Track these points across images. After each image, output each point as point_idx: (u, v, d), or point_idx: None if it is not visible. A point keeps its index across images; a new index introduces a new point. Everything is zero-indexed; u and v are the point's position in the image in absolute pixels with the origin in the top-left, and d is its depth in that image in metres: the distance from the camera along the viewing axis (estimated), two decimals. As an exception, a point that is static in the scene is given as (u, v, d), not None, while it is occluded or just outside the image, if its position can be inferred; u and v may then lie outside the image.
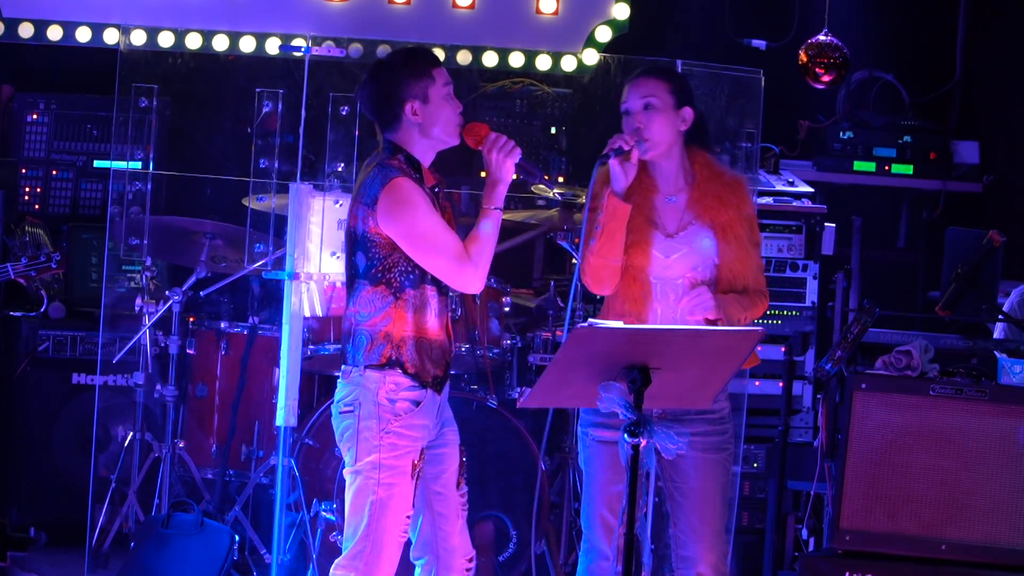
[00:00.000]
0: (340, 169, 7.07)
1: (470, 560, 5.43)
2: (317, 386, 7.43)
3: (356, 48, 7.84)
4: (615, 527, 5.33)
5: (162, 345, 7.38)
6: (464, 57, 7.96)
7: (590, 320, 4.98)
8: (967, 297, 6.76)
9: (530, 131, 8.25)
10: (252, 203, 7.31)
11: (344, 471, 5.33)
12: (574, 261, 5.52)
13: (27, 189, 8.35)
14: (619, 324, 5.00)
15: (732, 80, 7.27)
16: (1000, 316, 7.02)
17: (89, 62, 7.99)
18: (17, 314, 8.02)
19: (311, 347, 7.15)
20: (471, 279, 5.28)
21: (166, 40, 7.82)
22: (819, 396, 7.01)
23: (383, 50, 7.81)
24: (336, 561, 5.33)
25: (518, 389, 7.24)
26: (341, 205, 6.75)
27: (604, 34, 8.10)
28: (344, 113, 6.99)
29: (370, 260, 5.28)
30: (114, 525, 7.35)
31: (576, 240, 5.49)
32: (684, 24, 8.81)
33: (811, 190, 7.88)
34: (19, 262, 6.97)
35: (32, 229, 8.16)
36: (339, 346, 7.19)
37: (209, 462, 7.42)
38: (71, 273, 8.11)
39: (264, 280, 7.27)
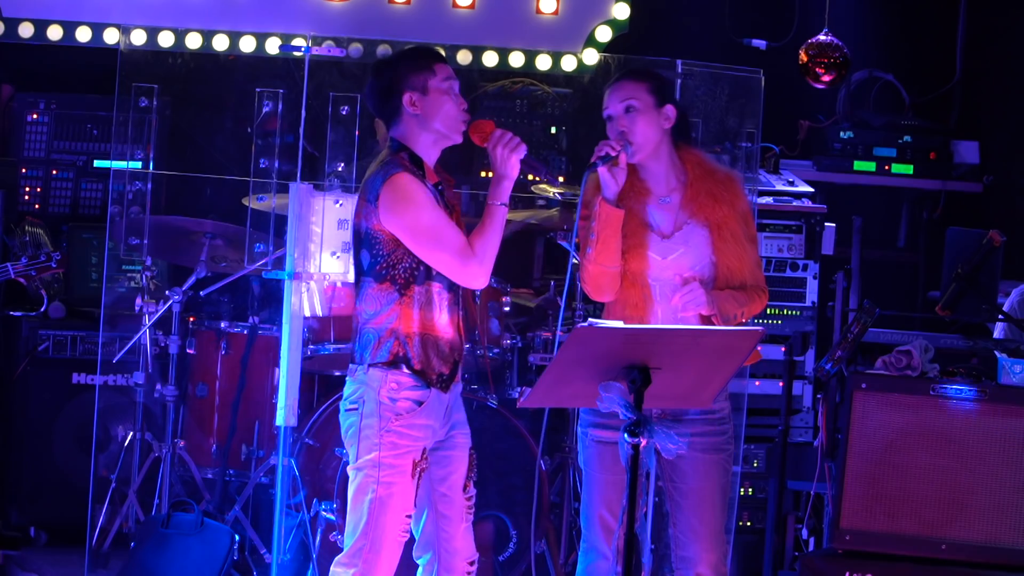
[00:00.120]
0: (340, 169, 7.07)
1: (471, 563, 5.44)
2: (317, 386, 7.43)
3: (356, 48, 7.84)
4: (615, 527, 5.33)
5: (162, 345, 7.38)
6: (464, 57, 7.96)
7: (590, 320, 4.98)
8: (967, 297, 6.76)
9: (530, 131, 8.24)
10: (252, 203, 7.31)
11: (348, 468, 5.34)
12: (575, 261, 5.52)
13: (27, 189, 8.35)
14: (619, 324, 5.00)
15: (732, 80, 7.27)
16: (1000, 316, 7.02)
17: (89, 62, 7.99)
18: (17, 314, 8.02)
19: (311, 347, 7.15)
20: (475, 274, 5.29)
21: (166, 40, 7.82)
22: (819, 396, 7.02)
23: (383, 50, 7.81)
24: (336, 558, 5.34)
25: (518, 389, 7.24)
26: (341, 205, 6.76)
27: (604, 34, 8.10)
28: (344, 113, 6.99)
29: (374, 257, 5.29)
30: (114, 525, 7.35)
31: (577, 240, 5.48)
32: (684, 24, 8.81)
33: (811, 190, 7.88)
34: (19, 262, 6.97)
35: (32, 229, 8.16)
36: (339, 346, 7.23)
37: (209, 462, 7.42)
38: (71, 273, 8.11)
39: (264, 280, 7.27)
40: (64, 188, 8.40)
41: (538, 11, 8.07)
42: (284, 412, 6.59)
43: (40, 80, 8.42)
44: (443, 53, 5.68)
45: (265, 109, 7.17)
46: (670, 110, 5.48)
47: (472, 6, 8.00)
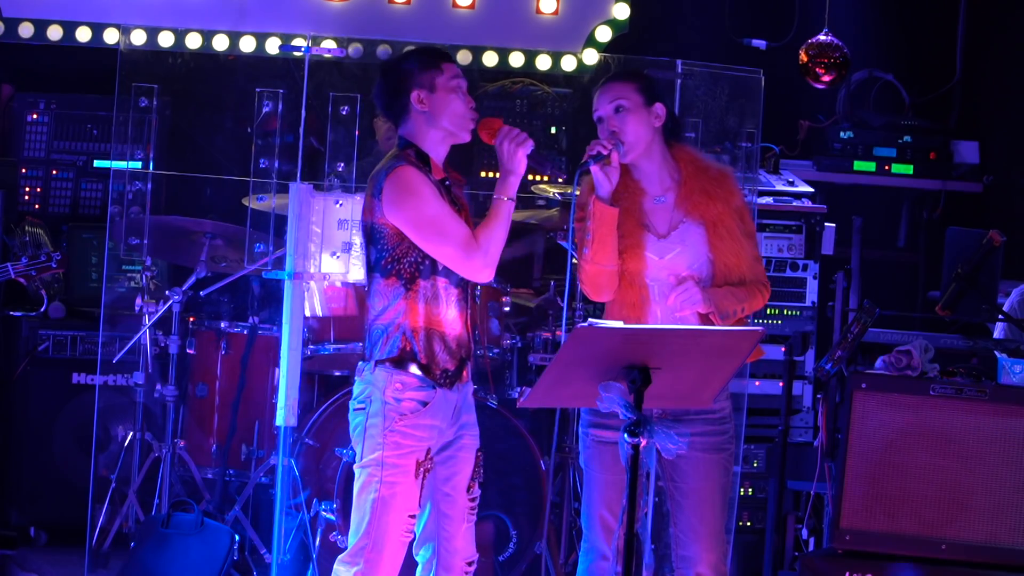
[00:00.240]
0: (340, 169, 7.07)
1: (470, 564, 5.44)
2: (317, 386, 7.42)
3: (356, 48, 7.84)
4: (615, 527, 5.33)
5: (162, 345, 7.38)
6: (464, 57, 7.96)
7: (590, 320, 4.98)
8: (967, 297, 6.76)
9: (530, 131, 8.11)
10: (252, 203, 7.31)
11: (354, 467, 5.35)
12: (574, 261, 5.52)
13: (27, 189, 8.35)
14: (619, 324, 5.00)
15: (732, 80, 7.27)
16: (1000, 316, 7.02)
17: (89, 62, 7.99)
18: (17, 314, 8.02)
19: (311, 347, 7.15)
20: (480, 266, 5.29)
21: (166, 40, 7.82)
22: (819, 396, 7.01)
23: (383, 50, 7.81)
24: (340, 556, 5.35)
25: (518, 389, 7.24)
26: (341, 205, 6.76)
27: (604, 34, 8.10)
28: (344, 113, 6.99)
29: (380, 252, 5.31)
30: (114, 525, 7.35)
31: (576, 240, 5.48)
32: (684, 24, 8.81)
33: (811, 190, 7.88)
34: (19, 262, 6.97)
35: (32, 229, 8.16)
36: (339, 346, 7.24)
37: (209, 462, 7.41)
38: (71, 273, 8.11)
39: (264, 280, 7.27)
40: (64, 188, 8.40)
41: (538, 11, 8.07)
42: (284, 412, 6.59)
43: (40, 80, 8.42)
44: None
45: (265, 109, 7.17)
46: (659, 108, 5.49)
47: (472, 6, 8.00)
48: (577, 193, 5.46)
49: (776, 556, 7.01)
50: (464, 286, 5.39)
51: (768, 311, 7.51)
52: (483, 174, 8.18)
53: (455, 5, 7.99)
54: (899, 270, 8.90)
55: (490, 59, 8.03)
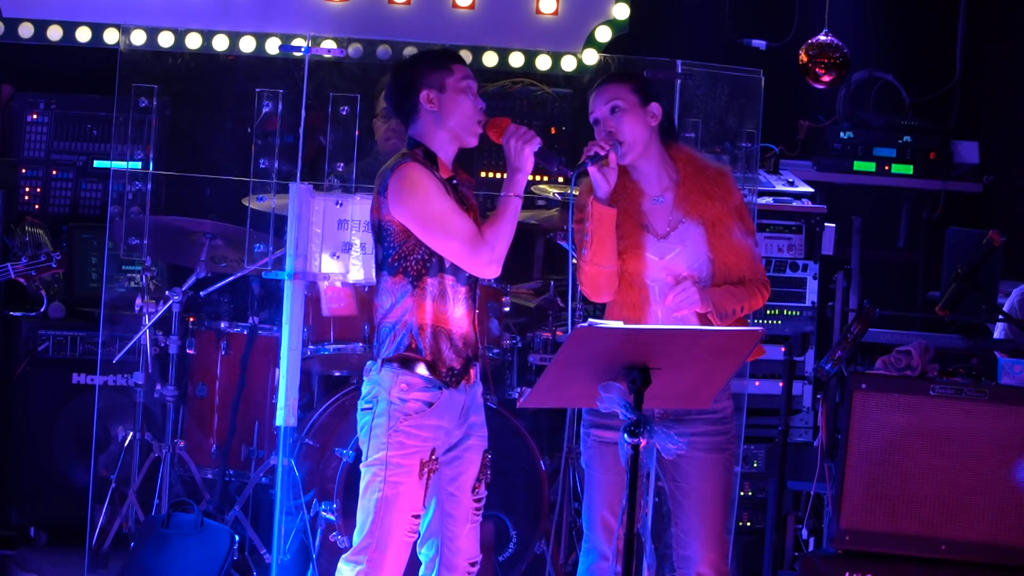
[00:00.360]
0: (340, 169, 7.07)
1: (473, 564, 5.45)
2: (317, 386, 7.42)
3: (356, 48, 7.84)
4: (615, 527, 5.33)
5: (162, 345, 7.38)
6: (464, 57, 7.92)
7: (590, 320, 4.98)
8: (967, 297, 6.76)
9: (531, 131, 8.23)
10: (252, 203, 7.31)
11: (360, 466, 5.36)
12: (574, 261, 5.52)
13: (27, 189, 8.35)
14: (619, 324, 5.00)
15: (732, 80, 7.27)
16: (1000, 316, 7.02)
17: (89, 62, 7.99)
18: (17, 314, 8.02)
19: (311, 347, 7.15)
20: (486, 263, 5.30)
21: (166, 40, 7.82)
22: (819, 396, 7.01)
23: (383, 50, 7.81)
24: (344, 555, 5.36)
25: (518, 389, 7.24)
26: (341, 205, 6.76)
27: (604, 34, 8.10)
28: (344, 113, 6.99)
29: (387, 249, 5.32)
30: (114, 525, 7.34)
31: (575, 241, 5.48)
32: (684, 24, 8.81)
33: (811, 190, 7.87)
34: (19, 262, 6.97)
35: (32, 229, 8.16)
36: (339, 346, 7.23)
37: (209, 462, 7.41)
38: (71, 273, 8.11)
39: (264, 280, 7.26)
40: (64, 188, 8.40)
41: (538, 11, 8.07)
42: (284, 412, 6.59)
43: (40, 80, 8.42)
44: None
45: (265, 109, 7.17)
46: (655, 108, 5.49)
47: (472, 6, 8.00)
48: (576, 194, 5.46)
49: (776, 556, 7.01)
50: (471, 284, 5.39)
51: (768, 311, 7.51)
52: (483, 174, 8.18)
53: (455, 5, 8.00)
54: (899, 270, 8.90)
55: (490, 59, 8.03)
